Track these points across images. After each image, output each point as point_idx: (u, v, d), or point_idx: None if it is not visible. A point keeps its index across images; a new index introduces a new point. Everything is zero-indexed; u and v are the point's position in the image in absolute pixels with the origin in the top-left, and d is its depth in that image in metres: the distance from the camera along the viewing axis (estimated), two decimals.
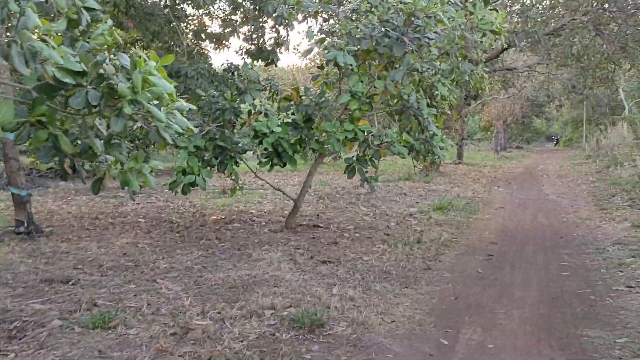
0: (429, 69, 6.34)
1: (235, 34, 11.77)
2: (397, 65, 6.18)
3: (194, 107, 3.39)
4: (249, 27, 11.49)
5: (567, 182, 16.99)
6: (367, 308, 4.73)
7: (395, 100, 6.64)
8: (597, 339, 4.02)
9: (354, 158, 6.53)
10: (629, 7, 15.89)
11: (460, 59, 7.21)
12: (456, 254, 7.03)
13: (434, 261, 6.59)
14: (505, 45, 17.55)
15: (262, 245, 7.19)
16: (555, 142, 53.48)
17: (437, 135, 6.48)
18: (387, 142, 6.00)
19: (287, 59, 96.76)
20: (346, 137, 6.18)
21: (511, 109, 35.81)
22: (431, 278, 5.83)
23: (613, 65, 19.34)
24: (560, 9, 16.96)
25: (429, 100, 6.77)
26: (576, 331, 4.19)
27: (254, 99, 6.73)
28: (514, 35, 15.51)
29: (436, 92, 7.04)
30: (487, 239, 8.04)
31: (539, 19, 16.16)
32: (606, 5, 16.58)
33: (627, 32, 16.62)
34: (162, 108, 3.04)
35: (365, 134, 6.22)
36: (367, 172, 6.60)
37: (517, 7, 16.25)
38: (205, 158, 6.63)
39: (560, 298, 5.07)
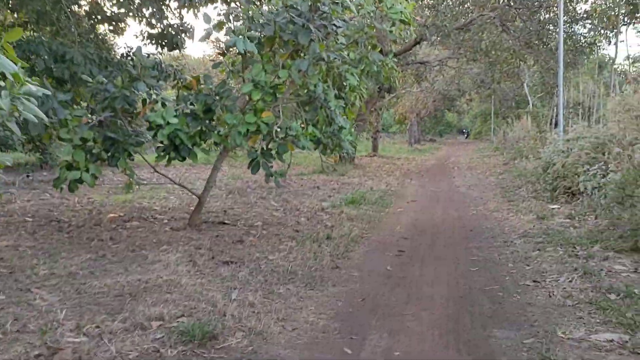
0: (336, 58, 6.03)
1: (135, 16, 10.94)
2: (302, 54, 5.83)
3: (48, 92, 2.85)
4: (150, 9, 10.71)
5: (476, 174, 17.41)
6: (268, 315, 4.35)
7: (304, 91, 6.29)
8: (505, 340, 3.86)
9: (259, 152, 6.11)
10: (535, 4, 16.41)
11: (369, 48, 6.95)
12: (366, 251, 6.80)
13: (342, 259, 6.32)
14: (417, 39, 17.76)
15: (161, 245, 6.63)
16: (466, 135, 55.47)
17: (344, 128, 6.17)
18: (291, 135, 5.63)
19: (201, 48, 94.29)
20: (248, 129, 5.75)
21: (424, 103, 36.62)
22: (339, 278, 5.54)
23: (519, 61, 20.01)
24: (469, 5, 17.28)
25: (337, 92, 6.46)
26: (484, 332, 4.01)
27: (149, 88, 6.15)
28: (425, 28, 15.64)
29: (345, 83, 6.75)
30: (399, 234, 7.89)
31: (448, 14, 16.38)
32: (512, 3, 17.06)
33: (531, 28, 17.22)
34: (2, 93, 2.50)
35: (270, 126, 5.81)
36: (272, 166, 6.21)
37: (427, 0, 16.39)
38: (94, 151, 5.99)
39: (468, 296, 4.92)
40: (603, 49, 25.94)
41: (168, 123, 5.85)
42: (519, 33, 17.77)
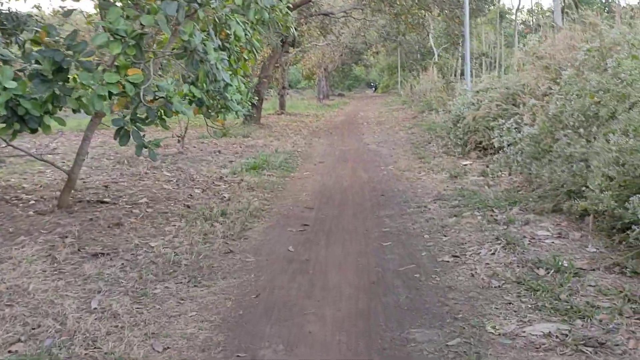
0: (213, 1, 4.97)
1: None
2: None
3: None
4: None
5: (385, 129, 16.92)
6: (134, 329, 3.41)
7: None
8: (426, 343, 3.15)
9: (127, 118, 5.01)
10: None
11: None
12: (266, 227, 5.94)
13: (238, 240, 5.43)
14: None
15: (17, 235, 5.43)
16: (374, 89, 55.44)
17: (231, 85, 5.16)
18: (162, 97, 4.56)
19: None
20: (111, 91, 4.63)
21: (331, 57, 35.78)
22: (231, 266, 4.65)
23: (424, 11, 19.49)
24: None
25: (220, 43, 5.40)
26: (401, 334, 3.29)
27: None
28: None
29: (229, 32, 5.71)
30: (303, 203, 7.09)
31: None
32: None
33: None
34: None
35: (138, 87, 4.71)
36: (144, 135, 5.13)
37: None
38: None
39: (382, 281, 4.19)
40: None
41: (5, 88, 4.60)
42: None
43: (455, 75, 26.70)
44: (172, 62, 5.90)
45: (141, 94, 4.55)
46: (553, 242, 4.73)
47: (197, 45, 4.82)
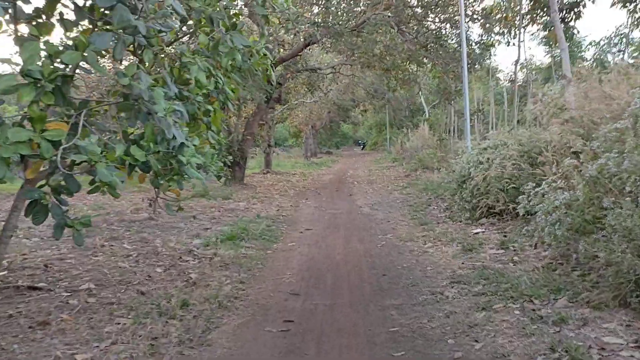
0: (163, 31, 3.77)
1: None
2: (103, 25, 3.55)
3: None
4: None
5: (378, 188, 15.72)
6: None
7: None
8: None
9: (45, 188, 3.70)
10: (431, 2, 15.03)
11: (229, 28, 4.75)
12: (238, 325, 4.55)
13: (197, 348, 4.04)
14: (307, 40, 15.86)
15: None
16: (362, 147, 54.78)
17: (187, 146, 3.86)
18: (85, 161, 3.26)
19: None
20: (21, 153, 3.34)
21: (319, 114, 35.03)
22: None
23: (416, 66, 18.71)
24: (362, 2, 15.63)
25: (177, 90, 4.16)
26: None
27: None
28: (314, 27, 13.75)
29: (188, 77, 4.51)
30: (287, 286, 5.72)
31: (340, 12, 14.60)
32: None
33: (429, 29, 15.91)
34: None
35: (57, 146, 3.43)
36: (67, 211, 3.81)
37: None
38: None
39: None
40: (495, 53, 25.56)
41: None
42: (414, 34, 16.40)
43: (448, 132, 25.91)
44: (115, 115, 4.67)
45: (59, 156, 3.26)
46: (632, 357, 3.40)
47: (142, 92, 3.58)
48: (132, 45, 3.97)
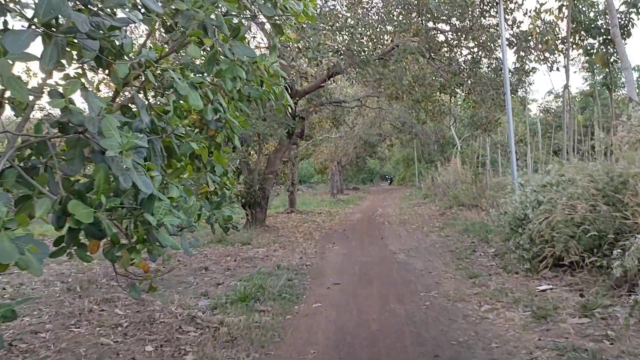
0: (115, 28, 2.54)
1: None
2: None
3: None
4: None
5: (412, 230, 14.28)
6: None
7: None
8: None
9: None
10: (465, 26, 13.81)
11: (227, 38, 3.55)
12: None
13: None
14: (330, 71, 14.75)
15: None
16: (389, 182, 53.32)
17: (159, 199, 2.57)
18: None
19: None
20: None
21: (344, 150, 33.87)
22: None
23: (448, 96, 17.43)
24: (390, 28, 14.48)
25: (149, 120, 2.91)
26: None
27: None
28: (338, 56, 12.61)
29: (169, 94, 3.29)
30: None
31: (364, 38, 13.45)
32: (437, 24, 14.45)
33: (463, 55, 14.69)
34: None
35: None
36: None
37: (341, 23, 13.40)
38: None
39: None
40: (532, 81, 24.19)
41: None
42: (446, 61, 15.17)
43: (482, 166, 24.42)
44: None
45: None
46: None
47: (86, 120, 2.36)
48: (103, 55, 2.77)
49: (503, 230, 8.28)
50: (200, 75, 3.74)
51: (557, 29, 14.02)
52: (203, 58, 3.66)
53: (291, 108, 5.39)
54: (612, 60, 14.26)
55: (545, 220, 6.68)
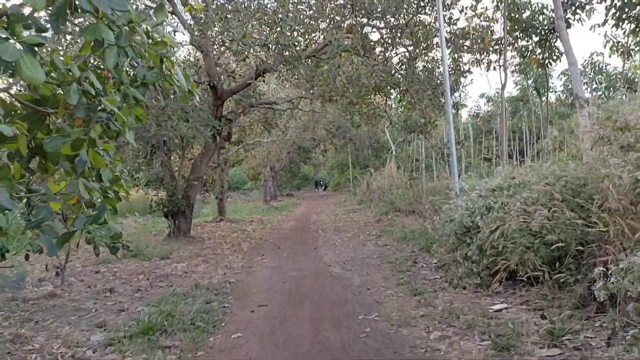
0: None
1: None
2: None
3: None
4: None
5: (347, 238, 13.39)
6: None
7: None
8: None
9: None
10: (399, 22, 13.08)
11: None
12: None
13: None
14: (259, 69, 13.69)
15: None
16: (324, 188, 52.60)
17: None
18: None
19: None
20: None
21: (277, 155, 32.80)
22: None
23: (384, 97, 16.72)
24: (323, 25, 13.55)
25: None
26: None
27: None
28: (266, 50, 11.57)
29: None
30: None
31: (295, 33, 12.44)
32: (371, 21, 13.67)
33: (398, 54, 14.00)
34: None
35: None
36: None
37: (269, 16, 12.30)
38: None
39: None
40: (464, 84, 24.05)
41: None
42: (382, 60, 14.43)
43: (417, 171, 23.97)
44: None
45: None
46: None
47: None
48: None
49: (447, 240, 7.46)
50: (43, 34, 2.59)
51: (493, 28, 13.55)
52: (50, 10, 2.53)
53: (195, 95, 4.32)
54: (547, 61, 13.92)
55: (497, 230, 5.87)
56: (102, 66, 3.66)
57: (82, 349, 5.18)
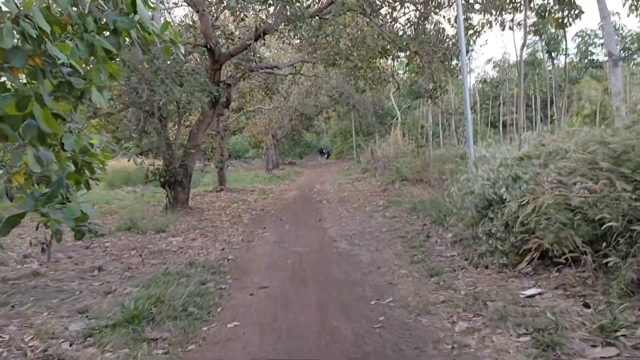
0: None
1: None
2: None
3: None
4: None
5: (353, 209, 12.71)
6: None
7: None
8: None
9: None
10: None
11: None
12: None
13: None
14: (259, 29, 12.83)
15: None
16: (327, 155, 51.77)
17: None
18: None
19: None
20: None
21: (279, 122, 31.97)
22: None
23: (392, 60, 15.83)
24: None
25: None
26: None
27: None
28: (266, 6, 10.70)
29: None
30: None
31: None
32: None
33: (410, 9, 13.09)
34: None
35: None
36: None
37: None
38: None
39: None
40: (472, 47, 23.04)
41: None
42: (390, 20, 13.53)
43: (424, 138, 23.18)
44: None
45: None
46: None
47: None
48: None
49: (466, 214, 6.76)
50: None
51: None
52: None
53: (180, 50, 3.61)
54: (567, 19, 12.99)
55: (527, 204, 5.16)
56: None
57: (58, 340, 4.55)
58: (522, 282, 5.27)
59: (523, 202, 5.27)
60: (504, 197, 5.78)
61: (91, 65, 3.18)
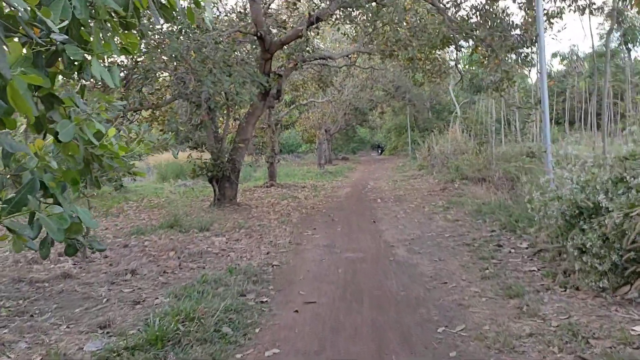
0: None
1: None
2: None
3: None
4: None
5: (410, 210, 11.75)
6: None
7: None
8: None
9: None
10: None
11: None
12: None
13: None
14: (312, 16, 12.04)
15: None
16: (380, 151, 50.62)
17: None
18: None
19: None
20: None
21: (333, 116, 31.14)
22: None
23: (455, 50, 14.67)
24: None
25: None
26: None
27: None
28: None
29: None
30: None
31: None
32: None
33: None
34: None
35: None
36: None
37: None
38: None
39: None
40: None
41: None
42: (454, 5, 12.46)
43: (486, 134, 21.86)
44: None
45: None
46: None
47: None
48: None
49: (550, 223, 5.73)
50: None
51: None
52: None
53: (207, 15, 2.80)
54: None
55: (638, 215, 4.13)
56: None
57: None
58: (629, 311, 4.25)
59: (631, 213, 4.23)
60: (602, 205, 4.75)
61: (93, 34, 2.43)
